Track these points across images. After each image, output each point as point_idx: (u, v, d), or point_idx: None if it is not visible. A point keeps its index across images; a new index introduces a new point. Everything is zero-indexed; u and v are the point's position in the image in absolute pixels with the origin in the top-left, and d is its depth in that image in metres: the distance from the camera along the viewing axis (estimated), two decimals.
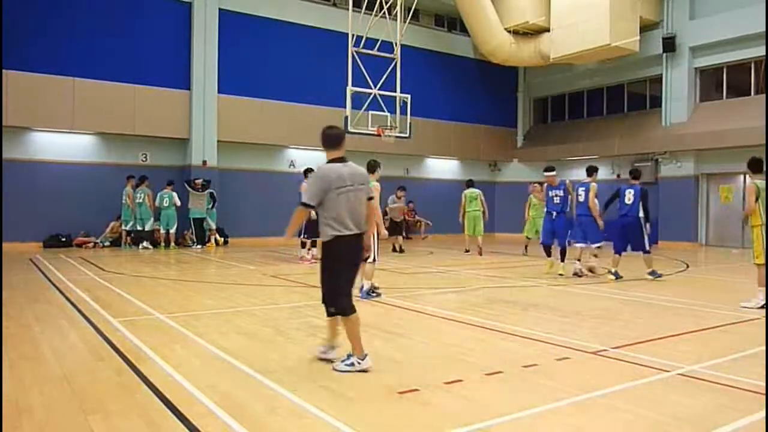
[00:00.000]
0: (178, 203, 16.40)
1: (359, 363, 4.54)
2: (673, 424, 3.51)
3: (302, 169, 13.18)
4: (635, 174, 10.70)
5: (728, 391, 4.15)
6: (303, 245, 13.27)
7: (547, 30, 20.00)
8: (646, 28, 19.19)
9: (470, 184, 16.40)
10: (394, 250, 15.93)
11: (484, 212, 15.86)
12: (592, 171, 10.99)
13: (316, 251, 12.88)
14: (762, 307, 7.32)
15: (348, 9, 15.86)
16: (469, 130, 23.05)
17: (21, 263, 12.06)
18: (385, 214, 17.97)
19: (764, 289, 7.39)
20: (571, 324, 6.51)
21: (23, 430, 3.38)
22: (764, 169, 7.64)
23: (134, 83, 16.65)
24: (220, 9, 17.80)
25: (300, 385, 4.16)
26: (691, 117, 19.05)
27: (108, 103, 16.23)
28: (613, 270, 10.26)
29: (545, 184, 11.42)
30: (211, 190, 17.22)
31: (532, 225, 14.85)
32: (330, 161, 4.73)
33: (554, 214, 11.03)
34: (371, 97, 15.81)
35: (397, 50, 16.26)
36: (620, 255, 10.40)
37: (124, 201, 16.08)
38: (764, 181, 7.59)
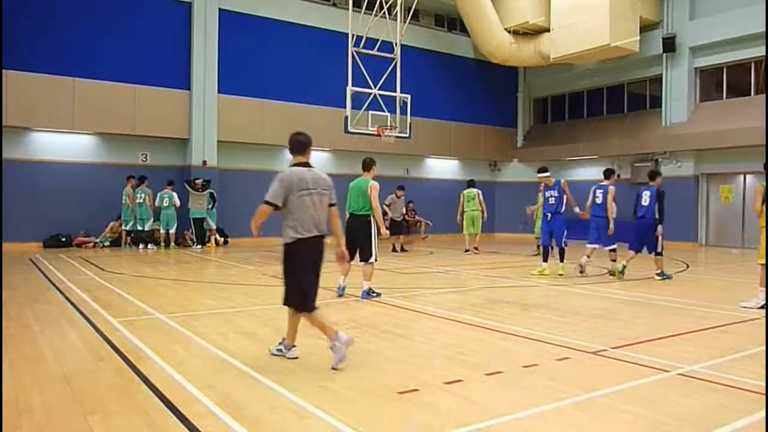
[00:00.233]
0: (178, 203, 16.40)
1: (284, 351, 4.91)
2: (673, 424, 3.51)
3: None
4: (652, 175, 10.60)
5: (728, 391, 4.15)
6: None
7: (547, 30, 19.99)
8: (646, 28, 19.18)
9: (471, 184, 16.45)
10: (394, 249, 15.94)
11: (482, 212, 15.90)
12: (610, 173, 10.96)
13: None
14: (762, 307, 7.32)
15: (348, 9, 15.85)
16: (469, 130, 23.05)
17: (21, 263, 12.06)
18: (385, 213, 18.04)
19: (765, 289, 7.39)
20: (571, 324, 6.51)
21: (23, 430, 3.37)
22: None
23: (134, 83, 16.64)
24: (220, 9, 17.79)
25: (300, 385, 4.16)
26: (691, 117, 19.05)
27: (108, 103, 16.22)
28: (624, 263, 10.27)
29: (542, 185, 11.39)
30: (211, 190, 17.22)
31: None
32: (294, 165, 4.93)
33: (549, 215, 10.97)
34: (371, 97, 15.80)
35: (397, 50, 16.26)
36: (637, 254, 10.40)
37: (124, 201, 16.08)
38: None
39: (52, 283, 9.30)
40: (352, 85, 15.44)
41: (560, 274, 10.73)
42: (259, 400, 3.89)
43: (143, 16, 16.88)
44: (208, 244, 17.00)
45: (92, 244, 16.12)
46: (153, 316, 6.73)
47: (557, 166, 22.27)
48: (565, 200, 10.88)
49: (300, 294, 4.78)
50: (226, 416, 3.56)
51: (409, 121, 16.32)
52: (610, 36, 17.88)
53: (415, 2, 17.57)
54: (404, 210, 17.47)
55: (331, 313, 6.97)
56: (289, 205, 4.74)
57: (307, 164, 4.94)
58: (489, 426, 3.45)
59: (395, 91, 16.02)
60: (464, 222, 15.94)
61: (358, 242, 7.95)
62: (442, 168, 23.39)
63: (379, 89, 15.86)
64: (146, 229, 16.26)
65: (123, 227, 16.29)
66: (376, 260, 8.08)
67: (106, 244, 16.34)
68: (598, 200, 10.73)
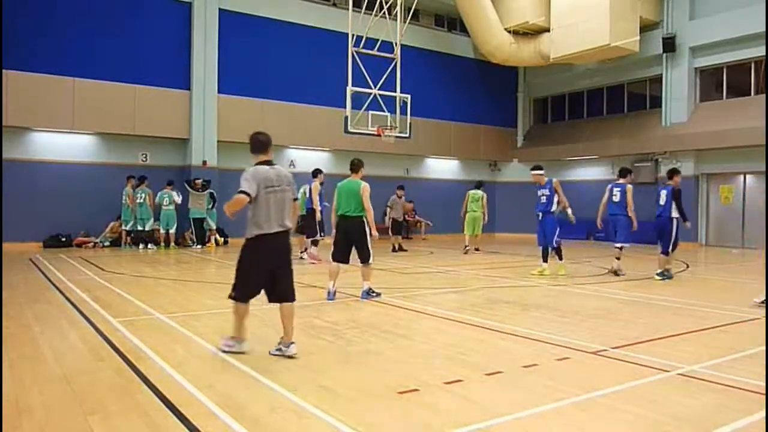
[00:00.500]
0: (179, 200, 16.42)
1: (234, 346, 5.02)
2: (673, 424, 3.51)
3: (311, 170, 13.13)
4: (670, 174, 10.54)
5: (728, 391, 4.15)
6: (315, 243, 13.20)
7: (547, 30, 20.00)
8: (646, 28, 19.18)
9: (478, 185, 16.47)
10: (393, 249, 15.94)
11: (484, 214, 15.93)
12: (626, 172, 10.89)
13: (315, 250, 12.89)
14: (762, 302, 7.30)
15: (348, 9, 15.86)
16: (469, 130, 23.06)
17: (21, 263, 12.06)
18: (384, 213, 18.04)
19: None
20: (571, 324, 6.51)
21: (23, 430, 3.37)
22: None
23: (134, 83, 16.64)
24: (220, 9, 17.79)
25: (300, 385, 4.16)
26: (691, 117, 19.05)
27: (108, 103, 16.22)
28: (659, 271, 10.21)
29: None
30: (211, 190, 17.21)
31: None
32: (257, 164, 5.01)
33: (540, 215, 10.89)
34: (371, 97, 15.81)
35: (397, 50, 16.26)
36: (667, 254, 10.29)
37: (124, 201, 16.08)
38: None
39: (52, 283, 9.29)
40: (352, 85, 15.45)
41: (561, 274, 10.72)
42: (259, 400, 3.89)
43: (143, 16, 16.89)
44: (208, 244, 16.99)
45: (92, 244, 16.12)
46: (153, 316, 6.73)
47: (557, 166, 22.31)
48: (556, 200, 10.74)
49: (243, 286, 4.95)
50: (226, 416, 3.56)
51: (409, 121, 16.33)
52: (610, 36, 17.88)
53: (415, 2, 17.57)
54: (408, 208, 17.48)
55: (332, 313, 6.97)
56: (257, 201, 4.85)
57: (269, 162, 5.05)
58: (489, 426, 3.45)
59: (395, 91, 16.03)
60: (465, 222, 15.96)
61: (355, 244, 7.92)
62: (442, 168, 23.39)
63: (379, 89, 15.86)
64: (146, 229, 16.25)
65: (123, 227, 16.28)
66: (371, 260, 8.06)
67: (106, 244, 16.34)
68: (615, 198, 10.65)
